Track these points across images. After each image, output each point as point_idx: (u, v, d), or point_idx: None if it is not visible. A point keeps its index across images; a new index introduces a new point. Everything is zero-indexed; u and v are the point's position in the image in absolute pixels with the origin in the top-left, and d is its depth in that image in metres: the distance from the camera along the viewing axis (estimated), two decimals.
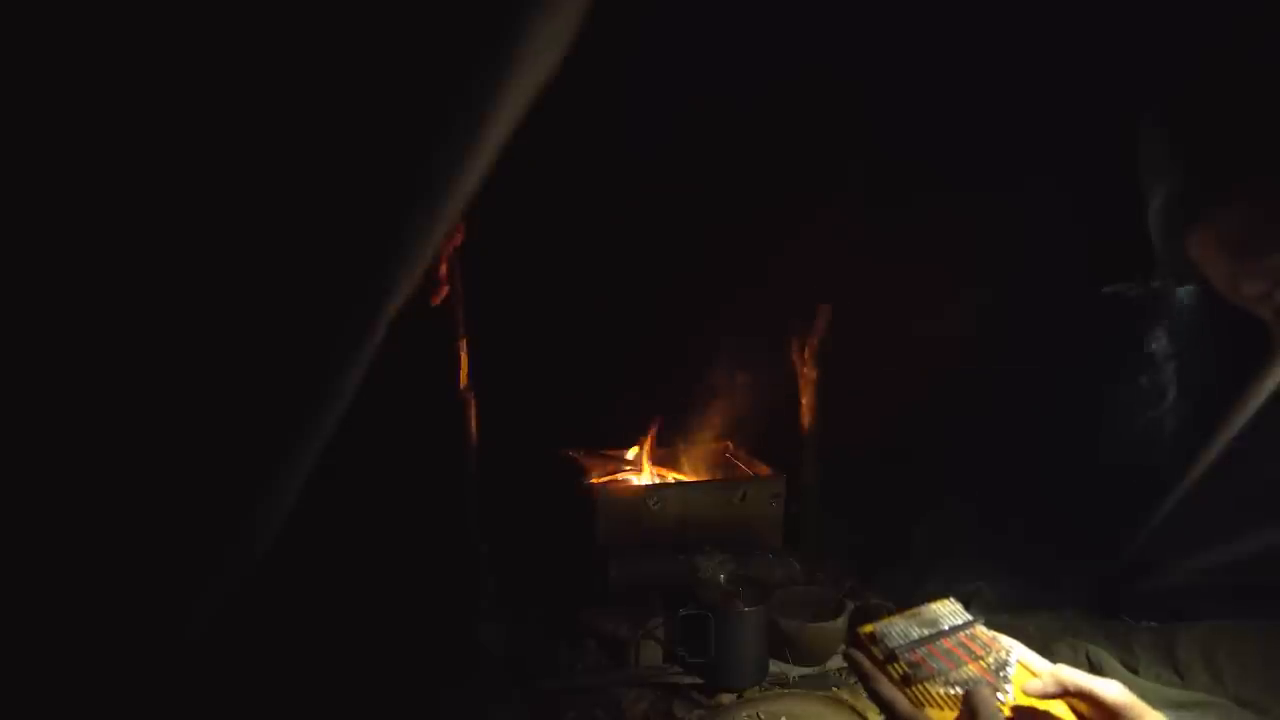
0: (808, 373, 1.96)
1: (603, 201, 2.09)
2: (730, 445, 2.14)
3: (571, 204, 2.07)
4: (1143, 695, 0.73)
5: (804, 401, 1.98)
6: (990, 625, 0.88)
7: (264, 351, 0.73)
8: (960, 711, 0.73)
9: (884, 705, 0.78)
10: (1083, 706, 0.75)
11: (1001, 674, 0.79)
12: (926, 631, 0.84)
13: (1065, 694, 0.75)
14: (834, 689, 1.43)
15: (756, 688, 1.45)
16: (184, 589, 0.83)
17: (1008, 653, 0.82)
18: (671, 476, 2.04)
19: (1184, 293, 1.73)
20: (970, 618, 0.87)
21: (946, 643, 0.83)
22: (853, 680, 1.42)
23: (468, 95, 0.63)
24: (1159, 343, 1.77)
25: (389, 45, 0.63)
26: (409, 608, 1.59)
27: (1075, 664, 1.32)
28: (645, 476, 2.03)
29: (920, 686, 0.78)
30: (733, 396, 2.09)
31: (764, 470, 1.99)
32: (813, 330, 1.94)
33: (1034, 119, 1.82)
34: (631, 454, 2.10)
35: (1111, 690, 0.73)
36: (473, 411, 1.57)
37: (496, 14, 0.60)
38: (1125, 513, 1.54)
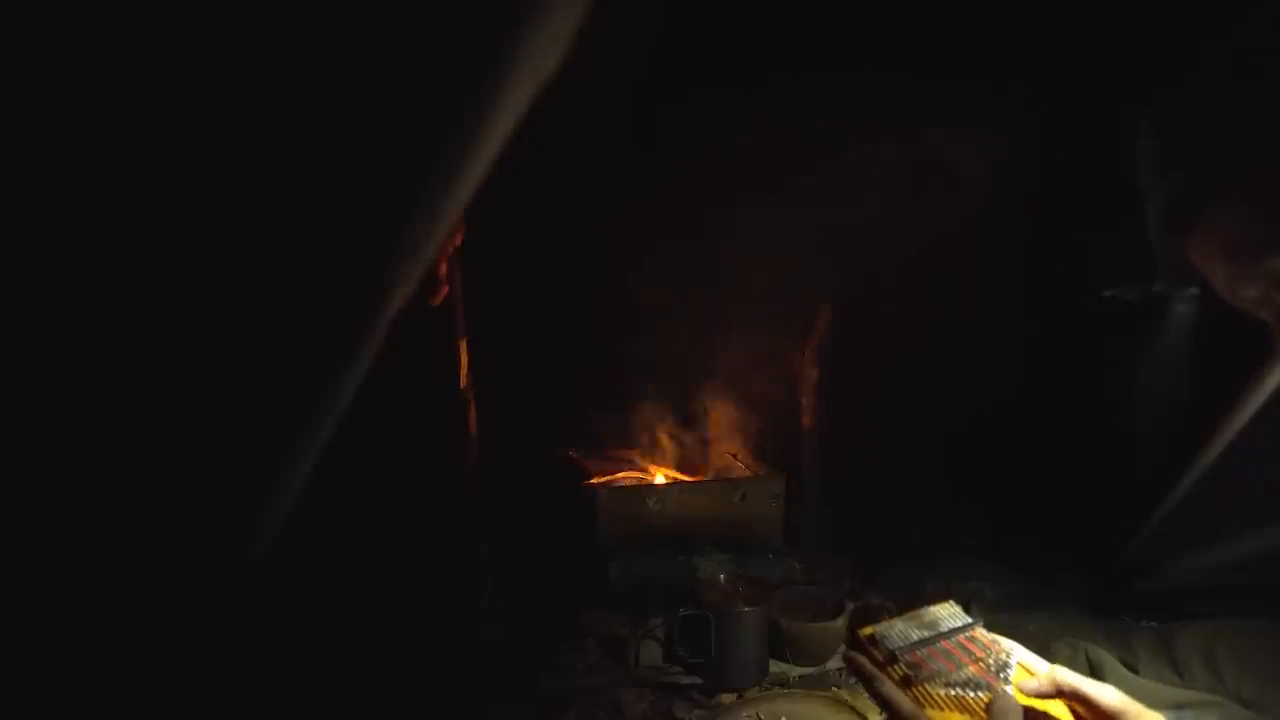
0: (808, 373, 1.96)
1: (603, 201, 2.09)
2: (731, 445, 2.14)
3: (572, 204, 2.07)
4: (1142, 695, 0.73)
5: (804, 401, 1.98)
6: (990, 626, 0.88)
7: (265, 351, 0.73)
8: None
9: (886, 706, 0.78)
10: (1081, 709, 0.75)
11: (1002, 675, 0.79)
12: (926, 633, 0.85)
13: (1061, 695, 0.75)
14: (834, 689, 1.43)
15: (756, 688, 1.44)
16: (184, 589, 0.83)
17: (1008, 654, 0.82)
18: (671, 476, 2.04)
19: (1184, 295, 1.73)
20: (970, 620, 0.87)
21: (946, 644, 0.84)
22: (853, 680, 1.42)
23: (468, 95, 0.63)
24: (1159, 345, 1.77)
25: (389, 45, 0.63)
26: (409, 608, 1.59)
27: (1074, 664, 1.33)
28: (645, 476, 2.03)
29: (920, 687, 0.78)
30: (733, 396, 2.09)
31: (764, 470, 1.99)
32: (813, 330, 1.94)
33: (1034, 120, 1.82)
34: (631, 454, 2.09)
35: (1107, 695, 0.73)
36: (473, 411, 1.57)
37: (496, 14, 0.60)
38: (1125, 513, 1.54)
